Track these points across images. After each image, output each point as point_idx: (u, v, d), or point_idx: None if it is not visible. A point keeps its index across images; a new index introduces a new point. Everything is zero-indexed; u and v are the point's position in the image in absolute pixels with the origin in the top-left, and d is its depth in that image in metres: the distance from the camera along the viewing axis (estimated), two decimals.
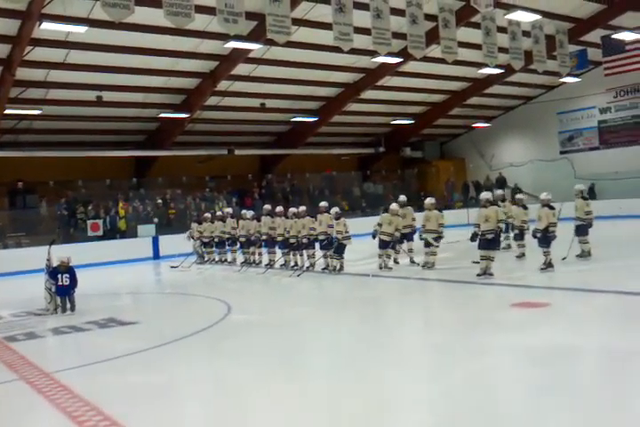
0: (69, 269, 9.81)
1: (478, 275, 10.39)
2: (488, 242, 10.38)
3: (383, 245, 12.50)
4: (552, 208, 10.92)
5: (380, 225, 12.59)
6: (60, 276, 9.67)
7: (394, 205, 12.86)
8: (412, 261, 13.00)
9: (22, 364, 6.62)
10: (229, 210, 17.12)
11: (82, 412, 4.86)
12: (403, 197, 13.61)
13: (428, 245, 12.09)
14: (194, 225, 17.36)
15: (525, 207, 12.97)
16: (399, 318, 8.29)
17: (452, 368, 5.66)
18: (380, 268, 12.48)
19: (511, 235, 13.76)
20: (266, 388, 5.42)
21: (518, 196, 13.62)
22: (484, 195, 11.09)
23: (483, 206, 10.82)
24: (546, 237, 10.67)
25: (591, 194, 25.04)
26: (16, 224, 19.87)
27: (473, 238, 10.62)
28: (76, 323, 8.92)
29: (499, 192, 14.27)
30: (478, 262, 10.75)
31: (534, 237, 10.99)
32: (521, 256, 12.69)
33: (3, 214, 20.08)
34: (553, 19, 19.90)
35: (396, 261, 13.14)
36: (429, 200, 12.41)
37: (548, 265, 10.65)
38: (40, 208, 20.57)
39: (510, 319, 7.62)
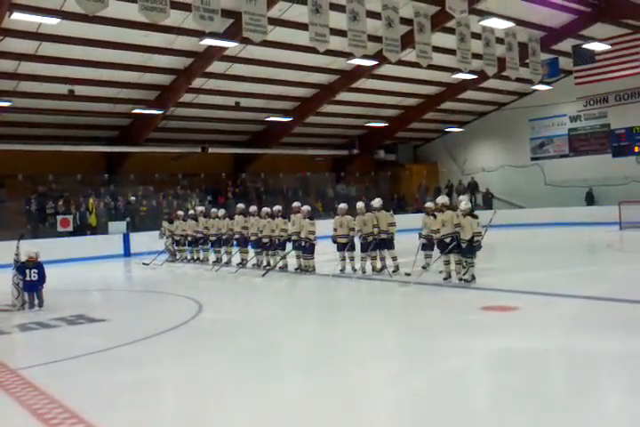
0: (38, 265, 9.63)
1: (445, 279, 10.46)
2: (448, 246, 10.29)
3: (340, 247, 12.32)
4: (475, 217, 10.10)
5: (335, 230, 12.41)
6: (27, 271, 9.50)
7: (341, 205, 12.58)
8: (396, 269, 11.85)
9: None
10: (201, 208, 17.04)
11: (47, 409, 4.79)
12: (377, 200, 12.30)
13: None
14: (165, 223, 17.24)
15: (435, 216, 11.34)
16: (370, 320, 8.33)
17: (422, 370, 5.71)
18: (342, 270, 12.32)
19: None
20: (237, 386, 5.41)
21: (428, 204, 11.99)
22: (440, 199, 10.92)
23: (440, 211, 10.70)
24: (472, 248, 10.04)
25: (590, 199, 25.32)
26: None
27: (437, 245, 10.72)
28: (44, 319, 8.78)
29: (375, 201, 12.36)
30: (409, 274, 10.88)
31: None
32: (426, 267, 11.67)
33: None
34: (526, 27, 20.29)
35: (375, 269, 12.04)
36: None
37: (472, 277, 10.14)
38: (8, 202, 20.21)
39: (480, 323, 7.70)
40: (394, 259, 11.99)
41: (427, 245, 11.70)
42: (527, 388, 4.95)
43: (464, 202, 10.39)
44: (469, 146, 30.84)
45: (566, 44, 22.56)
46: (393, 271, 11.76)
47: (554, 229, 22.57)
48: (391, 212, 12.27)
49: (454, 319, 7.97)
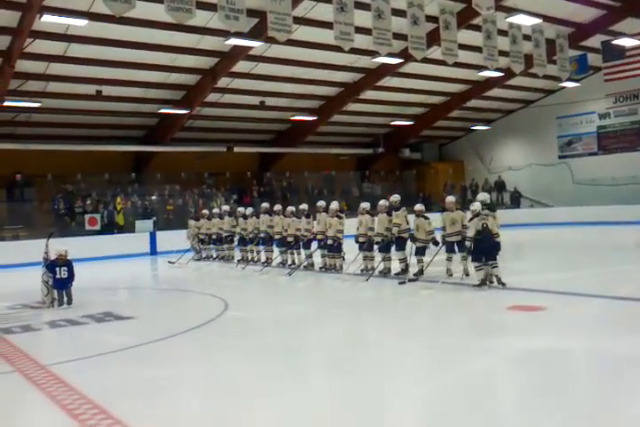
0: (67, 263, 9.79)
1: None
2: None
3: (359, 246, 12.16)
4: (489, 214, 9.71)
5: (357, 229, 12.30)
6: (58, 269, 9.65)
7: (362, 204, 12.40)
8: (404, 270, 11.38)
9: (18, 356, 6.62)
10: (226, 208, 17.14)
11: (77, 405, 4.87)
12: (395, 197, 11.77)
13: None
14: (191, 222, 17.40)
15: (426, 218, 11.14)
16: (395, 320, 8.29)
17: (446, 370, 5.67)
18: (363, 270, 12.06)
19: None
20: (262, 384, 5.43)
21: (417, 206, 11.36)
22: (480, 197, 10.53)
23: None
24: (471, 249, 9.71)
25: None
26: (13, 217, 19.91)
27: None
28: (73, 316, 8.91)
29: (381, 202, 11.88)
30: (404, 282, 10.52)
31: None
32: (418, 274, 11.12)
33: (0, 207, 20.11)
34: (554, 23, 19.98)
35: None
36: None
37: (482, 282, 9.72)
38: (37, 201, 20.60)
39: (505, 322, 7.63)
40: (401, 261, 11.46)
41: (423, 249, 11.11)
42: (554, 389, 4.89)
43: (477, 202, 10.10)
44: (496, 144, 30.53)
45: (595, 40, 22.18)
46: (396, 274, 11.50)
47: (582, 228, 22.23)
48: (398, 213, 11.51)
49: (480, 319, 7.92)
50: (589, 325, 7.33)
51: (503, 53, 17.79)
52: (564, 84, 24.55)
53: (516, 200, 27.59)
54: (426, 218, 11.10)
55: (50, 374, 5.81)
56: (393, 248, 11.65)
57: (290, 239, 13.70)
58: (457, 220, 10.79)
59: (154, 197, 22.82)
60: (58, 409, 4.84)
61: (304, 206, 13.76)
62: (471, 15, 17.50)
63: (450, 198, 11.17)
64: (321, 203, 13.47)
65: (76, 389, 5.29)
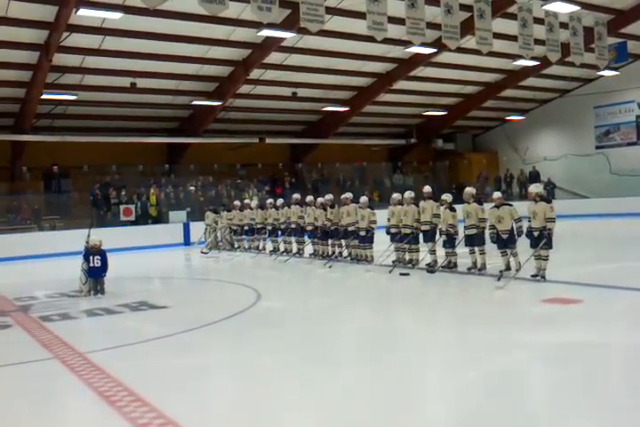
0: (101, 252, 9.98)
1: (533, 275, 9.67)
2: (537, 240, 9.48)
3: (391, 238, 12.10)
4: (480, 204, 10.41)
5: (388, 220, 12.23)
6: (91, 258, 9.86)
7: (394, 195, 12.25)
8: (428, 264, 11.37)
9: (57, 343, 6.79)
10: (255, 202, 17.13)
11: (114, 392, 4.98)
12: (427, 188, 11.85)
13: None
14: (210, 214, 17.73)
15: (453, 209, 10.85)
16: (427, 312, 8.26)
17: (477, 363, 5.61)
18: (395, 261, 11.94)
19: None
20: (295, 373, 5.49)
21: (444, 196, 11.16)
22: (534, 188, 9.87)
23: (533, 201, 9.69)
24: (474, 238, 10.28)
25: None
26: (50, 207, 20.36)
27: (528, 235, 9.69)
28: (109, 305, 9.10)
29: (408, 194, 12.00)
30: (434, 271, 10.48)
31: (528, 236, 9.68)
32: (453, 267, 11.02)
33: (38, 198, 20.58)
34: (592, 10, 19.46)
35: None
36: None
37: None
38: (73, 192, 21.01)
39: (540, 315, 7.53)
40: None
41: (446, 242, 10.95)
42: (589, 384, 4.82)
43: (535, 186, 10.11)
44: (531, 134, 30.03)
45: (636, 27, 21.56)
46: (427, 264, 11.42)
47: (619, 219, 21.78)
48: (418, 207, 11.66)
49: (515, 312, 7.84)
50: (627, 319, 7.18)
51: (539, 42, 17.43)
52: (602, 73, 23.95)
53: (551, 191, 27.10)
54: (452, 210, 10.91)
55: (87, 362, 5.95)
56: (421, 240, 11.67)
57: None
58: (501, 216, 10.14)
59: (192, 188, 23.04)
60: (95, 395, 4.96)
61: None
62: (506, 3, 17.21)
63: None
64: (348, 195, 13.40)
65: (113, 376, 5.40)
